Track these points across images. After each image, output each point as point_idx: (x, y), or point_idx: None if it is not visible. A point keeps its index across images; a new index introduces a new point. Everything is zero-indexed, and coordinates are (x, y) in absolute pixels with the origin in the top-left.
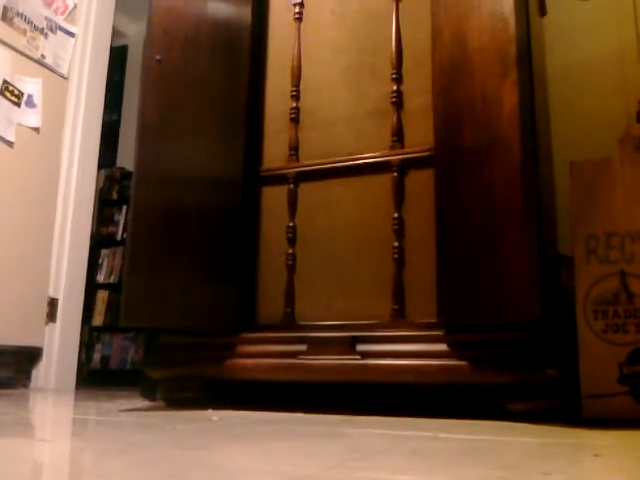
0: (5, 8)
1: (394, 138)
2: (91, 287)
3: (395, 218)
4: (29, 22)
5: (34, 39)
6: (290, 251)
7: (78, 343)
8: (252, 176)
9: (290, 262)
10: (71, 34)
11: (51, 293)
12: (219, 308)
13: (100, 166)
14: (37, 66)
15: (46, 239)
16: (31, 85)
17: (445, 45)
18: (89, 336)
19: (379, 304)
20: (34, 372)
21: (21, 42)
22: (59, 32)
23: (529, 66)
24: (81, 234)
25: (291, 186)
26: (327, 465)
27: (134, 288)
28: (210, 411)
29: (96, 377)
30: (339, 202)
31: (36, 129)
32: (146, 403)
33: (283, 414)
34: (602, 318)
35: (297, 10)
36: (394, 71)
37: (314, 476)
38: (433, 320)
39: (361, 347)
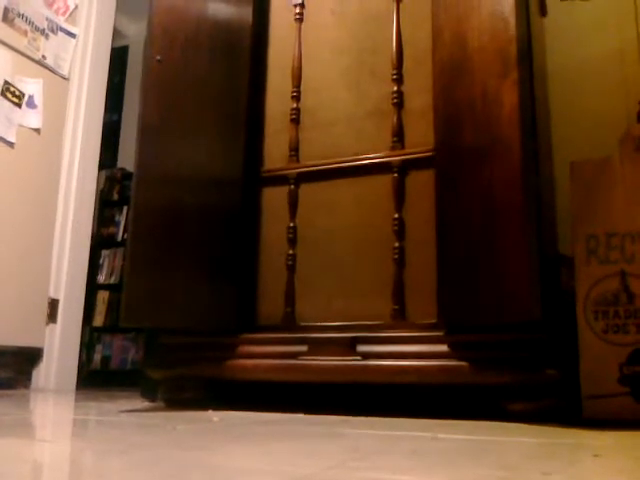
0: (6, 9)
1: (394, 138)
2: (92, 288)
3: (395, 219)
4: (30, 23)
5: (35, 40)
6: (290, 251)
7: (78, 344)
8: (252, 176)
9: (290, 262)
10: (72, 35)
11: (52, 294)
12: (219, 308)
13: (101, 167)
14: (38, 67)
15: (47, 240)
16: (32, 86)
17: (445, 45)
18: (89, 337)
19: (379, 305)
20: (35, 373)
21: (22, 43)
22: (60, 33)
23: (529, 66)
24: (82, 235)
25: (291, 186)
26: (327, 465)
27: (134, 288)
28: (210, 411)
29: (96, 378)
30: (340, 203)
31: (37, 130)
32: (146, 403)
33: (283, 415)
34: (602, 318)
35: (298, 10)
36: (394, 71)
37: (314, 476)
38: (433, 321)
39: (361, 348)
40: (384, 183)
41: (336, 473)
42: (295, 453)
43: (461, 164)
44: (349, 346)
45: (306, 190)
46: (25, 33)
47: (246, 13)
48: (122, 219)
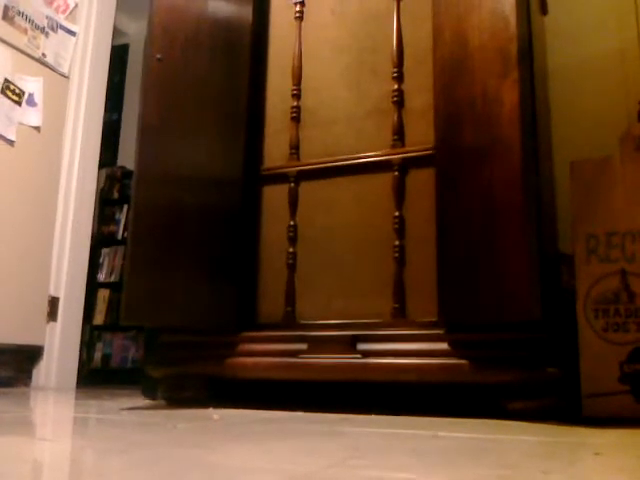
0: (6, 7)
1: (395, 137)
2: (92, 286)
3: (396, 217)
4: (30, 21)
5: (35, 38)
6: (291, 250)
7: (79, 342)
8: (252, 175)
9: (291, 261)
10: (72, 33)
11: (52, 292)
12: (219, 307)
13: (101, 165)
14: (38, 65)
15: (47, 238)
16: (32, 84)
17: (446, 43)
18: (90, 335)
19: (380, 303)
20: (35, 371)
21: (22, 41)
22: (60, 31)
23: (530, 65)
24: (82, 233)
25: (292, 185)
26: (327, 463)
27: (134, 287)
28: (211, 410)
29: (97, 376)
30: (340, 201)
31: (37, 128)
32: (147, 402)
33: (283, 413)
34: (603, 317)
35: (298, 9)
36: (395, 69)
37: (314, 474)
38: (434, 319)
39: (362, 346)
40: (384, 181)
41: (336, 471)
42: (295, 451)
43: (461, 163)
44: (349, 344)
45: (306, 188)
46: (25, 31)
47: (246, 12)
48: (122, 217)
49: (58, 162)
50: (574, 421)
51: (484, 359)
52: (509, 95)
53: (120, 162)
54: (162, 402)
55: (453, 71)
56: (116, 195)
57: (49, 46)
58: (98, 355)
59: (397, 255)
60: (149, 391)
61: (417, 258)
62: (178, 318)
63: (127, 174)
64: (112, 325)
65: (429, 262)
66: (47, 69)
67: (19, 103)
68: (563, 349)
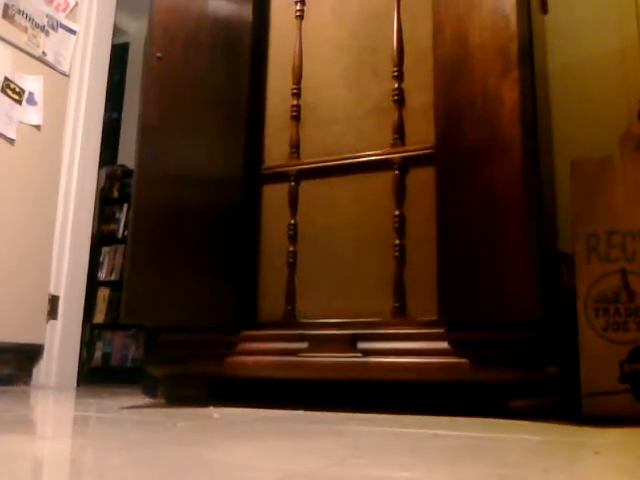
0: (6, 5)
1: (395, 136)
2: (92, 285)
3: (396, 216)
4: (30, 19)
5: (35, 36)
6: (291, 249)
7: (79, 340)
8: (253, 174)
9: (291, 260)
10: (72, 31)
11: (52, 290)
12: (219, 306)
13: (101, 164)
14: (38, 63)
15: (47, 237)
16: (32, 82)
17: (446, 42)
18: (90, 334)
19: (380, 302)
20: (35, 369)
21: (22, 39)
22: (60, 29)
23: (530, 64)
24: (82, 232)
25: (292, 184)
26: (327, 462)
27: (135, 286)
28: (211, 408)
29: (97, 374)
30: (340, 200)
31: (37, 127)
32: (147, 400)
33: (284, 412)
34: (603, 316)
35: (298, 7)
36: (395, 68)
37: (315, 473)
38: (434, 318)
39: (362, 345)
40: (384, 180)
41: (336, 470)
42: (295, 450)
43: (461, 162)
44: (349, 343)
45: (306, 187)
46: (25, 30)
47: (246, 11)
48: (122, 216)
49: (58, 161)
50: (574, 420)
51: (484, 358)
52: (509, 94)
53: (120, 161)
54: (162, 401)
55: (453, 70)
56: (116, 194)
57: (49, 45)
58: (98, 354)
59: (397, 254)
60: (149, 390)
61: (417, 257)
62: (178, 317)
63: (127, 173)
64: (112, 324)
65: (429, 261)
66: (47, 68)
67: (19, 102)
68: (563, 348)
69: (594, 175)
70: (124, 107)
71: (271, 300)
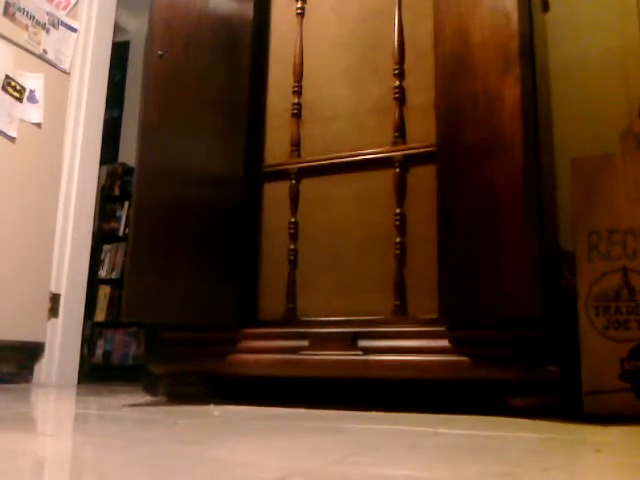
0: (7, 3)
1: (396, 134)
2: (93, 283)
3: (397, 214)
4: (31, 17)
5: (36, 34)
6: (292, 247)
7: (80, 338)
8: (254, 172)
9: (292, 258)
10: (73, 29)
11: (53, 289)
12: (220, 304)
13: (102, 162)
14: (39, 61)
15: (48, 235)
16: (33, 80)
17: (447, 40)
18: (91, 331)
19: (380, 300)
20: (36, 367)
21: (23, 37)
22: (61, 27)
23: (532, 62)
24: (83, 230)
25: (293, 182)
26: (328, 460)
27: (135, 284)
28: (212, 406)
29: (98, 372)
30: (341, 198)
31: (38, 124)
32: (148, 398)
33: (284, 409)
34: (604, 314)
35: (299, 6)
36: (396, 66)
37: (315, 471)
38: (434, 316)
39: (363, 343)
40: (385, 178)
41: (337, 468)
42: (296, 448)
43: (462, 160)
44: (350, 341)
45: (307, 185)
46: (26, 27)
47: (247, 8)
48: (123, 214)
49: (59, 159)
50: (575, 418)
51: (485, 356)
52: (511, 92)
53: (121, 159)
54: (163, 398)
55: (454, 68)
56: (117, 192)
57: (50, 42)
58: (99, 352)
59: (398, 252)
60: (150, 387)
61: (418, 255)
62: (179, 315)
63: (128, 171)
64: (113, 322)
65: (430, 259)
66: (48, 65)
67: (20, 99)
68: (564, 347)
69: (595, 173)
70: (125, 105)
71: (272, 298)
